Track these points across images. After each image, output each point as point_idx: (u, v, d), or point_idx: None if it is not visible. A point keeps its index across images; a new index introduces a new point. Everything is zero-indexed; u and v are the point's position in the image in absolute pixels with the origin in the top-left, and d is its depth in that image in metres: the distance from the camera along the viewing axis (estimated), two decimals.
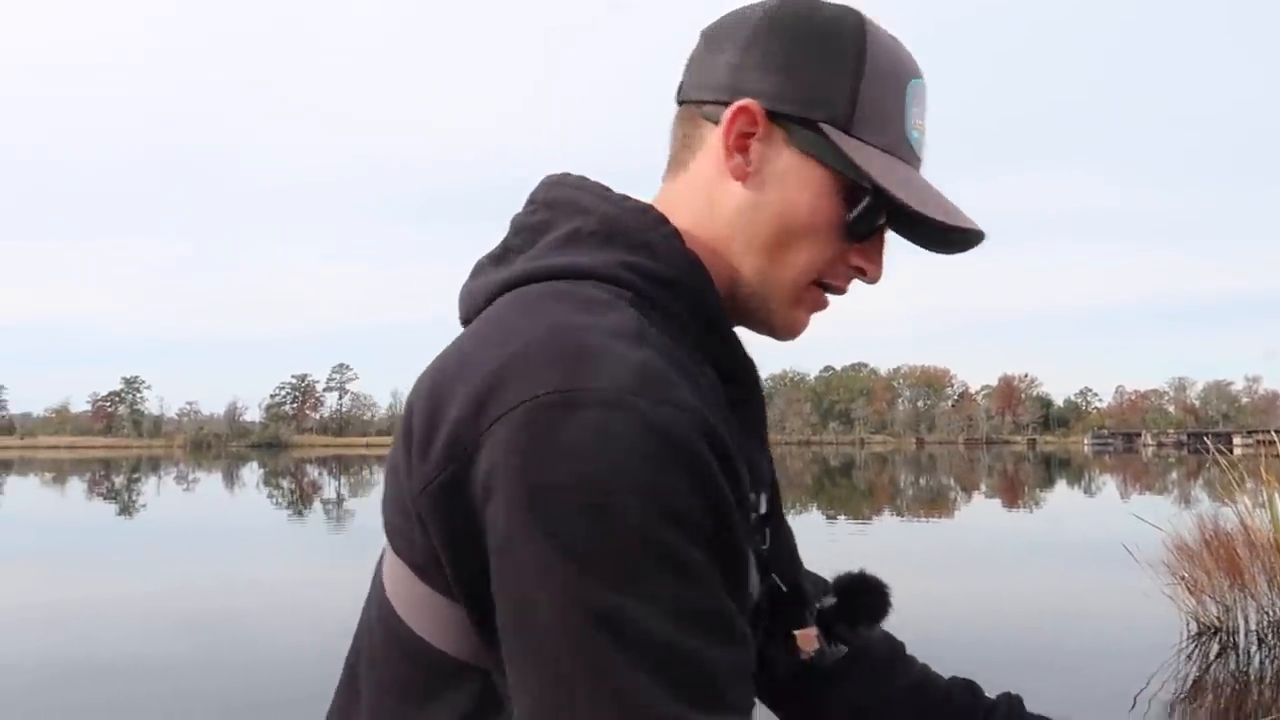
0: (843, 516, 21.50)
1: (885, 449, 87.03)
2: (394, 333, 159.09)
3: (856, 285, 0.86)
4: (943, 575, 11.36)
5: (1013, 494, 29.73)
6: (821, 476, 40.20)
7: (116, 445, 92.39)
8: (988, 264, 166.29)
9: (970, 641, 7.21)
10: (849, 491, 30.98)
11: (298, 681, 5.94)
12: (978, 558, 12.99)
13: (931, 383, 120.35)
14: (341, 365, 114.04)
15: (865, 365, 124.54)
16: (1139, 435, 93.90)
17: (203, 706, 5.42)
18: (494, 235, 0.83)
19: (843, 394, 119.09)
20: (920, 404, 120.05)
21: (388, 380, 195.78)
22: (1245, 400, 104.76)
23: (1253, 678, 6.29)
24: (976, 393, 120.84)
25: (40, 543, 15.10)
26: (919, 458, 64.97)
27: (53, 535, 16.54)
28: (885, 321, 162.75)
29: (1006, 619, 8.20)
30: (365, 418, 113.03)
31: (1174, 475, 39.22)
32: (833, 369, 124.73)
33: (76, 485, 33.71)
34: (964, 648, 7.01)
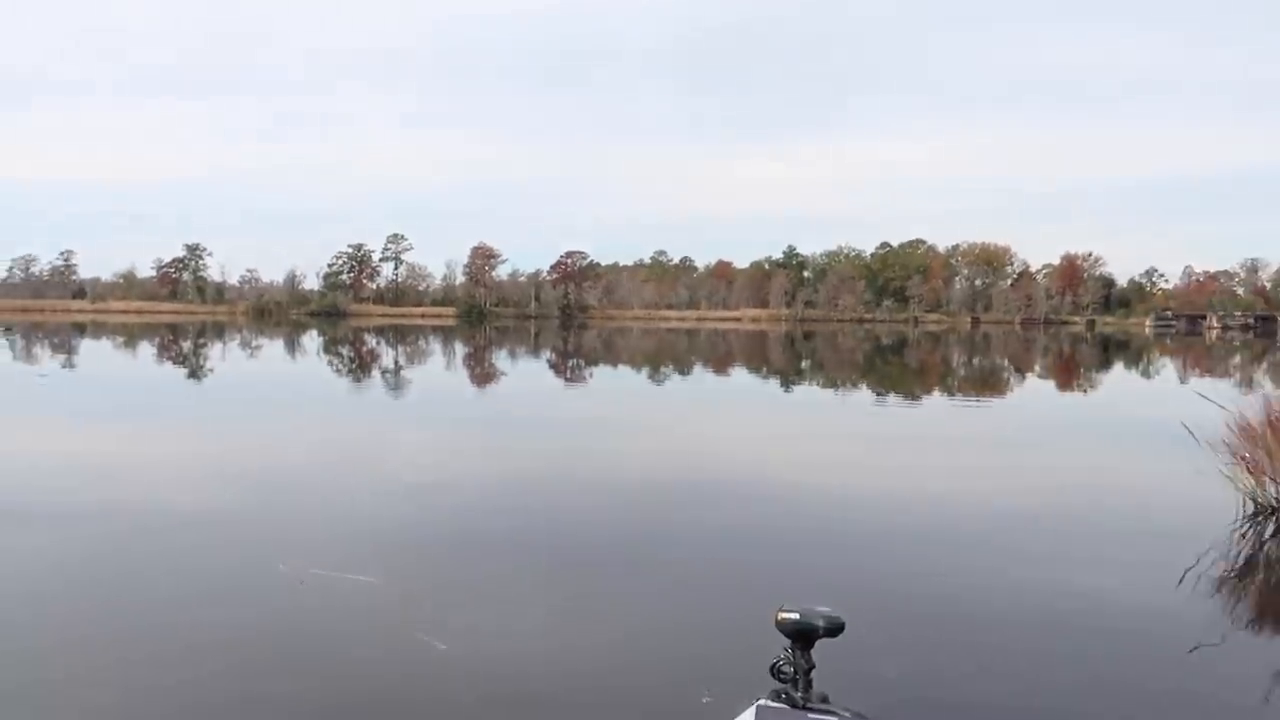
0: (893, 395, 21.50)
1: (939, 328, 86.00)
2: (445, 203, 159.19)
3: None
4: (994, 454, 11.40)
5: (1067, 375, 29.37)
6: (873, 354, 40.03)
7: (182, 310, 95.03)
8: (1058, 134, 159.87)
9: (1019, 519, 7.28)
10: (899, 369, 30.84)
11: (365, 535, 6.26)
12: (1028, 437, 12.98)
13: (991, 260, 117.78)
14: (396, 235, 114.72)
15: (923, 242, 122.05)
16: (1204, 318, 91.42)
17: (274, 550, 5.73)
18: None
19: (898, 271, 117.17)
20: (978, 282, 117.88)
21: (441, 251, 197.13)
22: None
23: None
24: (1037, 271, 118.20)
25: (114, 402, 15.80)
26: (973, 337, 64.21)
27: (129, 394, 17.28)
28: (945, 197, 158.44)
29: (1056, 497, 8.22)
30: (420, 288, 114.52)
31: (1237, 359, 38.33)
32: (889, 245, 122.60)
33: (146, 348, 34.88)
34: (1015, 525, 7.09)
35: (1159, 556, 6.01)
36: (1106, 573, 5.75)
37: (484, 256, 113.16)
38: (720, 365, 30.59)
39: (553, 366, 29.95)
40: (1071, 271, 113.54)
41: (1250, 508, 6.95)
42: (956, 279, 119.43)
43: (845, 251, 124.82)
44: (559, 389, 21.14)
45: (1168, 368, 33.85)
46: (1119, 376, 29.52)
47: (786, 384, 23.35)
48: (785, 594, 5.56)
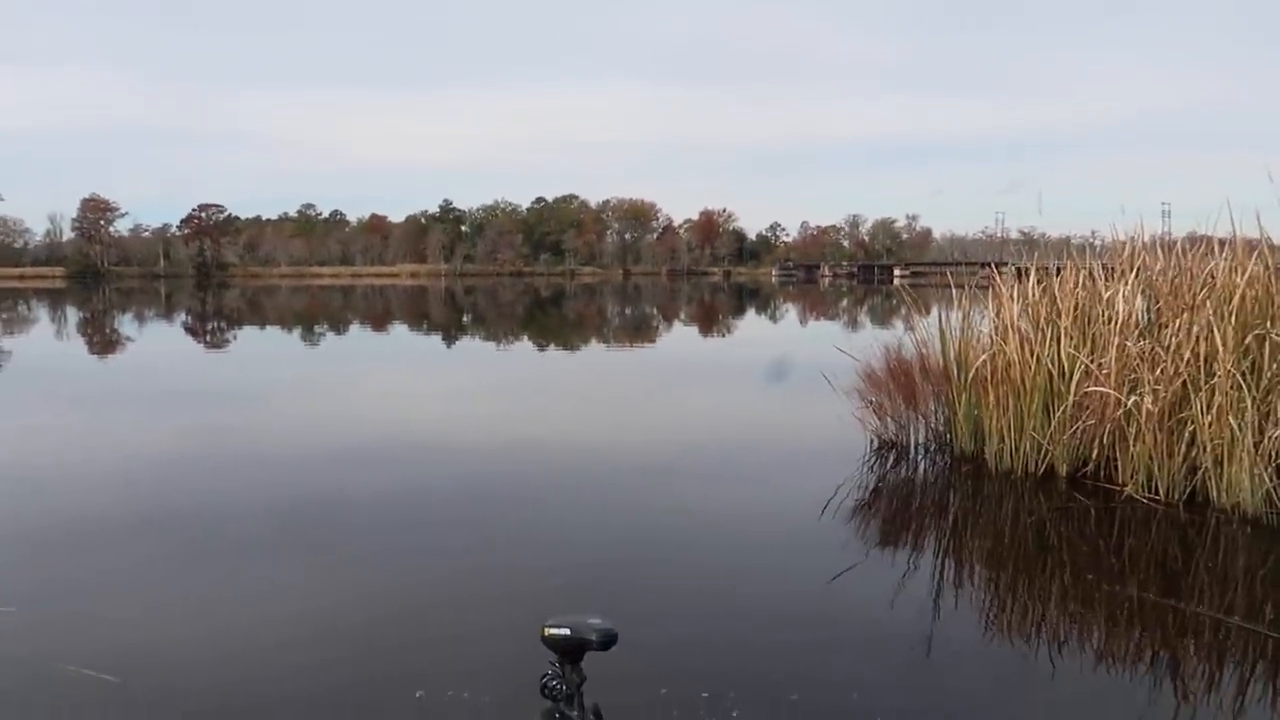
0: (553, 345, 21.94)
1: (594, 280, 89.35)
2: (45, 150, 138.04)
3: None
4: (647, 397, 11.95)
5: (709, 323, 31.71)
6: (533, 307, 40.67)
7: None
8: (698, 97, 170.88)
9: (674, 458, 7.66)
10: (559, 321, 31.60)
11: None
12: (680, 382, 13.74)
13: (638, 215, 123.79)
14: None
15: (576, 197, 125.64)
16: (818, 267, 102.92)
17: None
18: None
19: (554, 225, 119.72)
20: (628, 236, 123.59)
21: (43, 204, 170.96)
22: (905, 236, 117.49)
23: (918, 482, 7.23)
24: (679, 226, 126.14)
25: None
26: (625, 288, 67.40)
27: None
28: (597, 153, 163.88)
29: (710, 438, 8.77)
30: (16, 245, 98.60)
31: (845, 303, 43.60)
32: (544, 200, 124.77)
33: None
34: (669, 463, 7.43)
35: (805, 490, 6.57)
36: (760, 507, 6.23)
37: (97, 209, 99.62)
38: (379, 322, 29.48)
39: (190, 331, 27.18)
40: (709, 226, 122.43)
41: (876, 443, 7.83)
42: (608, 233, 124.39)
43: (502, 206, 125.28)
44: (196, 356, 19.15)
45: (792, 313, 37.70)
46: (755, 322, 32.39)
47: (449, 339, 23.00)
48: (427, 550, 5.30)
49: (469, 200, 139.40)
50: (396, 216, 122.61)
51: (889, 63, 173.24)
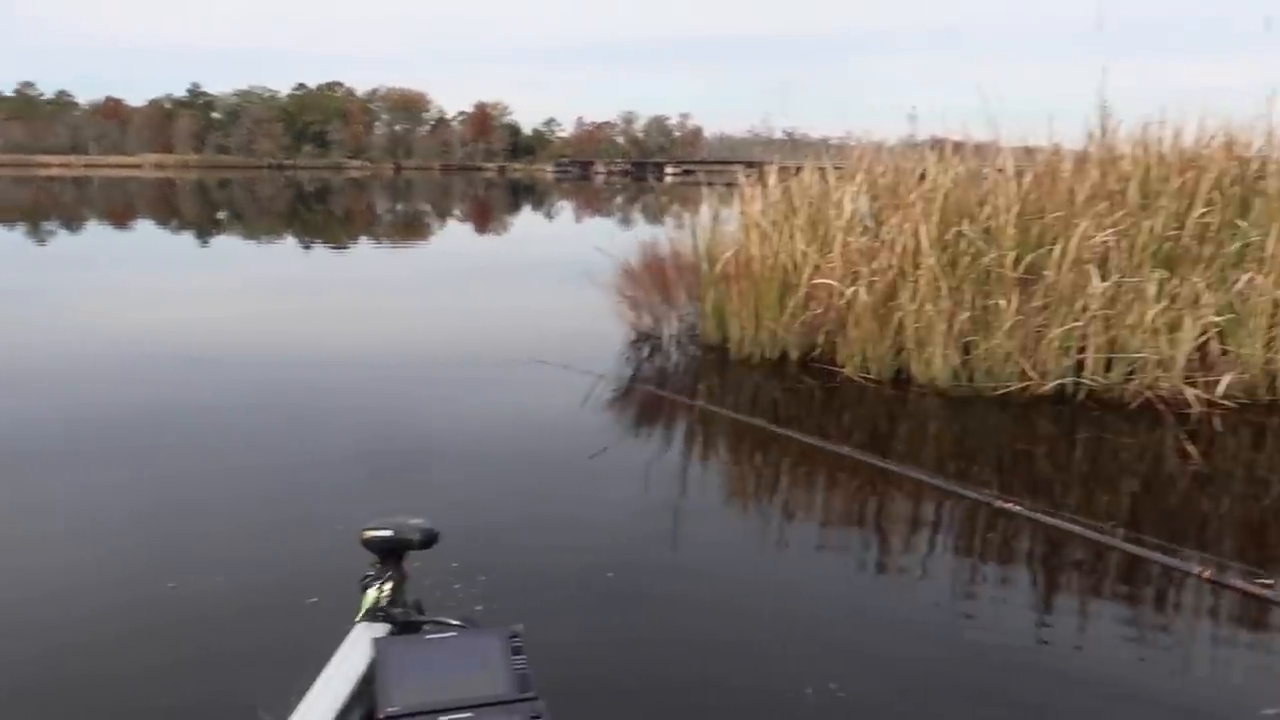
0: (319, 242, 21.12)
1: (363, 174, 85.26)
2: None
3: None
4: (415, 299, 11.94)
5: (485, 220, 31.41)
6: (295, 202, 38.54)
7: None
8: None
9: (446, 359, 7.85)
10: (325, 217, 30.25)
11: None
12: (449, 283, 13.77)
13: (409, 106, 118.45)
14: None
15: (341, 85, 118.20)
16: (593, 163, 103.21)
17: None
18: None
19: (318, 115, 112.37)
20: (398, 128, 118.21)
21: None
22: (678, 134, 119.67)
23: (670, 370, 7.79)
24: (453, 119, 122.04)
25: None
26: (396, 183, 64.96)
27: None
28: (362, 38, 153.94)
29: (480, 335, 8.98)
30: None
31: (619, 199, 44.28)
32: (306, 88, 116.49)
33: None
34: (441, 364, 7.62)
35: (566, 386, 6.95)
36: (525, 402, 6.56)
37: None
38: (121, 219, 27.06)
39: None
40: (483, 120, 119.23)
41: (634, 335, 8.33)
42: (377, 124, 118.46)
43: (259, 92, 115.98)
44: None
45: (567, 210, 37.92)
46: (530, 220, 32.37)
47: (203, 238, 21.56)
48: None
49: (220, 84, 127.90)
50: (136, 101, 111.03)
51: None
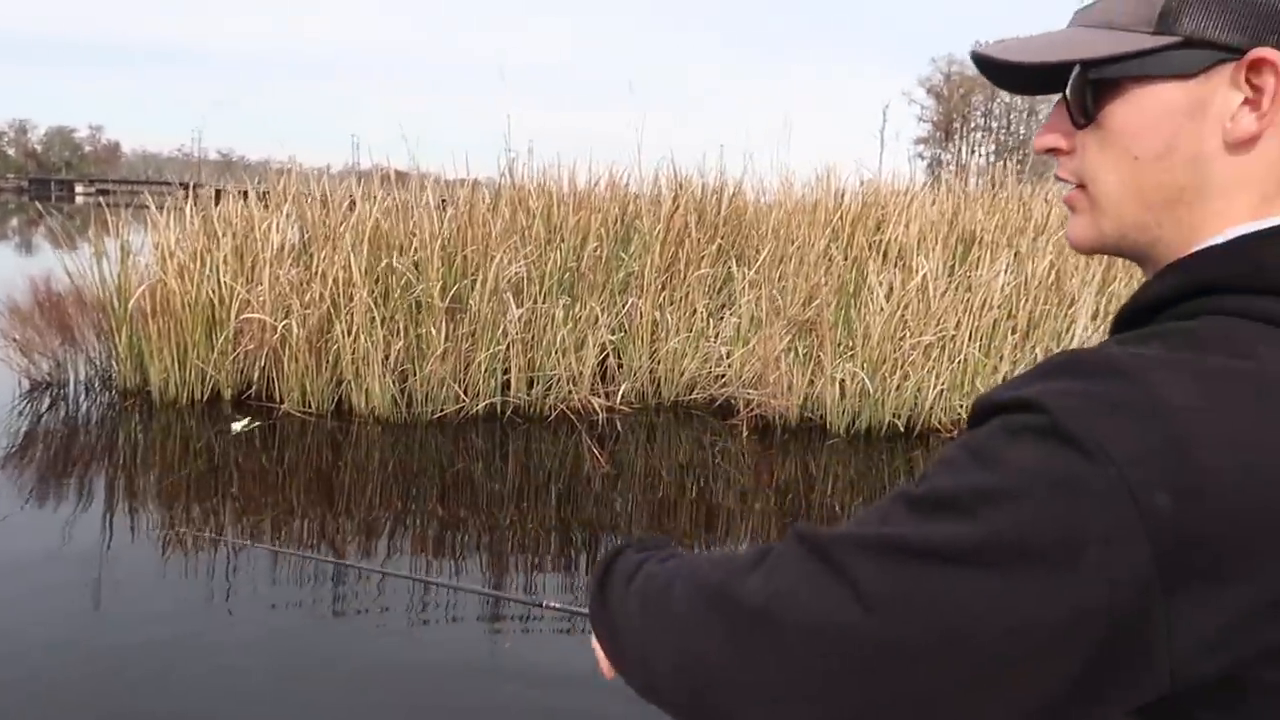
0: None
1: None
2: None
3: None
4: None
5: None
6: None
7: None
8: None
9: None
10: None
11: None
12: None
13: None
14: None
15: None
16: None
17: None
18: None
19: None
20: None
21: None
22: (89, 149, 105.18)
23: (80, 422, 6.86)
24: None
25: None
26: None
27: None
28: None
29: None
30: None
31: (15, 223, 37.75)
32: None
33: None
34: None
35: None
36: None
37: None
38: None
39: None
40: None
41: (27, 384, 7.18)
42: None
43: None
44: None
45: None
46: None
47: None
48: None
49: None
50: None
51: None
